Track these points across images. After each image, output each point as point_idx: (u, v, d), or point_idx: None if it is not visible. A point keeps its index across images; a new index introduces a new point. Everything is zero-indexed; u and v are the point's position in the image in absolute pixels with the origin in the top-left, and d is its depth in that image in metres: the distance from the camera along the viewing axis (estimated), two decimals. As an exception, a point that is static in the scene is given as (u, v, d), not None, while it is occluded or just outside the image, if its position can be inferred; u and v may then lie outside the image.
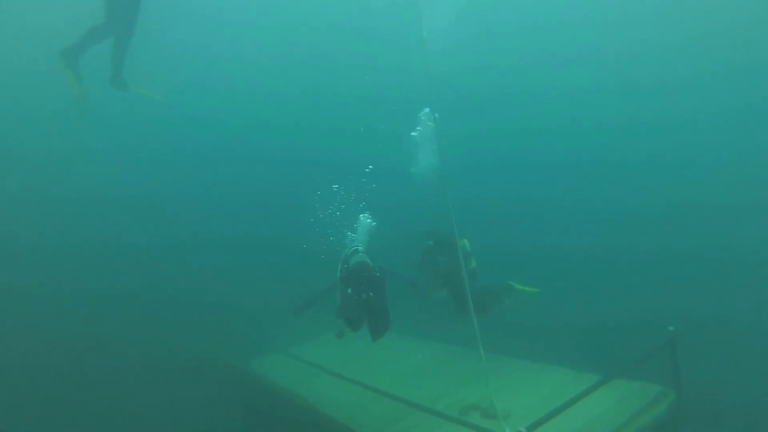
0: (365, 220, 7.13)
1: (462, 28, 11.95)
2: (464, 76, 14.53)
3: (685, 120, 13.25)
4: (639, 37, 14.02)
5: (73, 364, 9.73)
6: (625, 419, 4.57)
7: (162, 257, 12.07)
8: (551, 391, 3.95)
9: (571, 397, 3.93)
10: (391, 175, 8.19)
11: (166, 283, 11.55)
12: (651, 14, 13.80)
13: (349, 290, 5.65)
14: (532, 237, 13.16)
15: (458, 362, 6.95)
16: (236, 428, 8.63)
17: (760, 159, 11.78)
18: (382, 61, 13.84)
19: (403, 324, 8.58)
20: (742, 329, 9.60)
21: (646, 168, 13.54)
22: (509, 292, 7.05)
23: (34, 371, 9.48)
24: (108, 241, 11.85)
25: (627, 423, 4.53)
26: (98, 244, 11.70)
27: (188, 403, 9.39)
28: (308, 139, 14.38)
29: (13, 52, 11.70)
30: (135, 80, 7.88)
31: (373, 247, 6.74)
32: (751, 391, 8.08)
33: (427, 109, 7.07)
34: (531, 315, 7.25)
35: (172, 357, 10.14)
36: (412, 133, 7.54)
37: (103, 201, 12.23)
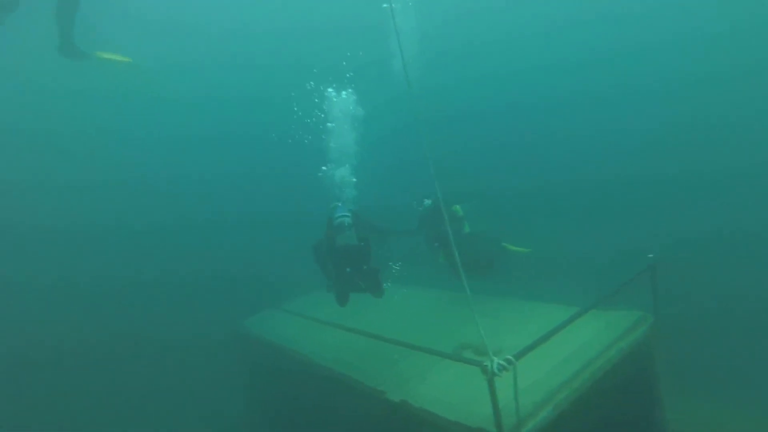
0: (347, 176, 7.20)
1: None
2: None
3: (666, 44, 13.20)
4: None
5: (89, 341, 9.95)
6: (607, 344, 4.89)
7: (160, 232, 12.06)
8: (542, 326, 4.19)
9: (554, 327, 4.16)
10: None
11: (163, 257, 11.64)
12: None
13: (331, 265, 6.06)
14: (519, 176, 13.43)
15: (453, 306, 7.24)
16: (240, 387, 8.99)
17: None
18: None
19: (399, 272, 8.87)
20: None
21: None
22: (503, 254, 7.27)
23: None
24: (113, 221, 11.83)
25: (609, 347, 4.85)
26: (104, 223, 11.69)
27: (194, 369, 9.77)
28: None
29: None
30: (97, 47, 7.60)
31: (360, 202, 6.87)
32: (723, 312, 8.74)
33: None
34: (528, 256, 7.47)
35: (174, 326, 10.33)
36: None
37: (105, 183, 12.09)
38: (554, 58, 14.95)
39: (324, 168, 7.31)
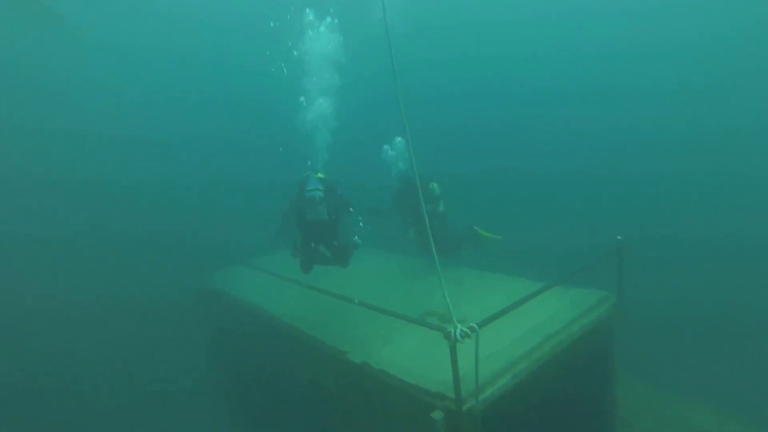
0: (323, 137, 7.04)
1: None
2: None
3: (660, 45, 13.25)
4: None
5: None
6: (570, 320, 4.96)
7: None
8: (506, 298, 4.20)
9: (518, 299, 4.17)
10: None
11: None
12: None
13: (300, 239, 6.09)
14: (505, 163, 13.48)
15: (419, 273, 7.25)
16: (204, 343, 8.92)
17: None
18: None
19: (369, 238, 8.84)
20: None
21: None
22: (474, 238, 7.24)
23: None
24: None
25: (571, 323, 4.92)
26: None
27: (162, 327, 9.65)
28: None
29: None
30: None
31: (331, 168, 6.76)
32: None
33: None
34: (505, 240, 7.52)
35: (143, 284, 10.18)
36: None
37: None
38: (545, 47, 14.94)
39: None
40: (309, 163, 6.82)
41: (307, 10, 7.57)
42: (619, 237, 5.23)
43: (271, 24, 8.10)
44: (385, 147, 7.47)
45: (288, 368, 6.31)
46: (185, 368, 9.17)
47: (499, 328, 4.69)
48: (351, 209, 6.46)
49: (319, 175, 6.41)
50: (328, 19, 7.50)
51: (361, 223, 6.67)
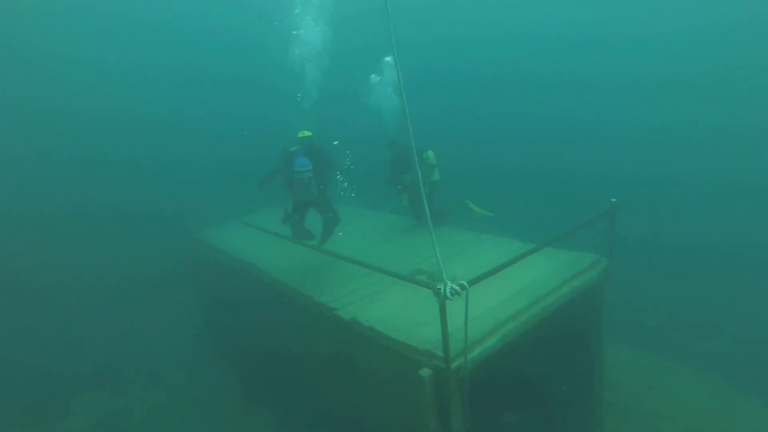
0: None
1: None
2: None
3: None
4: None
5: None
6: (561, 282, 4.90)
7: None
8: (496, 259, 4.12)
9: (511, 258, 4.10)
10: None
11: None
12: None
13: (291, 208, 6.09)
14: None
15: (409, 233, 7.19)
16: (199, 299, 8.93)
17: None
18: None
19: (362, 196, 8.72)
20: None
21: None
22: (464, 211, 7.12)
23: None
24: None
25: (562, 285, 4.87)
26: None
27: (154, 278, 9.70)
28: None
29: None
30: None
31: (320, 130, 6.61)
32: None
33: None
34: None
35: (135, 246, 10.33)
36: None
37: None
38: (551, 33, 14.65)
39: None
40: (299, 96, 6.65)
41: None
42: (613, 200, 5.13)
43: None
44: (372, 76, 7.25)
45: (277, 324, 6.30)
46: (178, 323, 9.26)
47: (489, 288, 4.64)
48: (338, 174, 6.50)
49: (306, 133, 6.25)
50: None
51: (345, 184, 6.58)
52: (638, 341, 8.03)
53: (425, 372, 3.73)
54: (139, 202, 10.97)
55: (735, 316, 8.38)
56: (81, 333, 9.25)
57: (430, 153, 6.97)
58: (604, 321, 5.43)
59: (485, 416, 5.35)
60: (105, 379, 8.15)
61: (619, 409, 6.52)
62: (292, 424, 6.66)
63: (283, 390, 6.68)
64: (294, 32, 6.85)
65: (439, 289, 3.27)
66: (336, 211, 6.26)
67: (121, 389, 7.93)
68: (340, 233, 6.36)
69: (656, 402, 6.81)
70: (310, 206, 6.13)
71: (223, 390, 7.67)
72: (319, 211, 6.20)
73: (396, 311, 4.64)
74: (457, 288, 3.29)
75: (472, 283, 3.43)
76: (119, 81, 12.25)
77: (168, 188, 11.10)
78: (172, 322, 9.45)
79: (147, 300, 9.93)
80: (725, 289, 8.94)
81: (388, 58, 6.97)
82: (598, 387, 5.67)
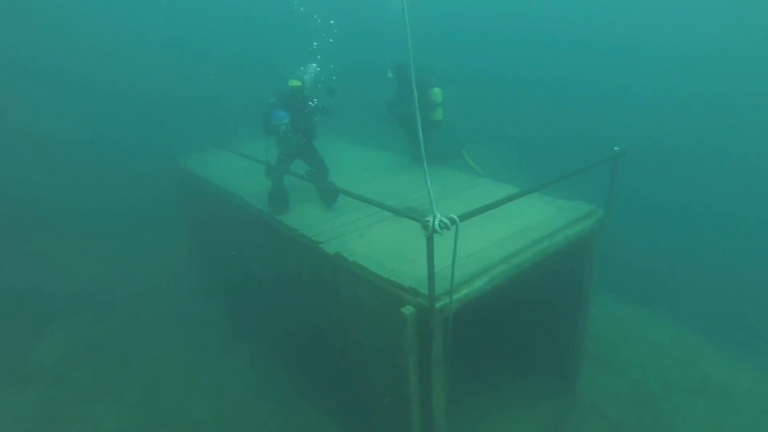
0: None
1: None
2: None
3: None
4: None
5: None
6: (555, 229, 4.73)
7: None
8: (491, 199, 3.91)
9: (505, 197, 3.89)
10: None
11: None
12: None
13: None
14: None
15: (400, 169, 6.99)
16: (184, 225, 8.78)
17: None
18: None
19: (357, 133, 8.42)
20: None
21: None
22: (458, 158, 6.83)
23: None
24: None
25: (556, 232, 4.70)
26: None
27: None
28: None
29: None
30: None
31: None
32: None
33: None
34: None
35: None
36: None
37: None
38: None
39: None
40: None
41: None
42: (616, 148, 4.89)
43: None
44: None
45: (262, 255, 6.16)
46: (165, 251, 9.16)
47: (480, 229, 4.51)
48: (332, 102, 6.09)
49: (296, 82, 5.88)
50: None
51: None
52: (622, 292, 8.08)
53: (408, 310, 3.61)
54: (125, 130, 10.65)
55: (720, 276, 8.43)
56: (66, 257, 9.14)
57: (437, 90, 6.60)
58: (594, 272, 5.32)
59: (465, 355, 5.34)
60: (88, 303, 8.06)
61: (596, 356, 6.64)
62: (277, 353, 6.67)
63: (268, 320, 6.64)
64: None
65: (428, 221, 3.08)
66: (324, 162, 6.06)
67: (104, 315, 7.84)
68: None
69: (631, 351, 6.94)
70: (294, 158, 5.91)
71: (210, 318, 7.64)
72: (305, 162, 6.02)
73: (383, 247, 4.48)
74: (447, 221, 3.09)
75: (463, 218, 3.23)
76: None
77: (154, 116, 10.68)
78: (159, 249, 9.36)
79: (133, 227, 9.80)
80: (715, 251, 8.96)
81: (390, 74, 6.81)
82: (581, 336, 5.64)
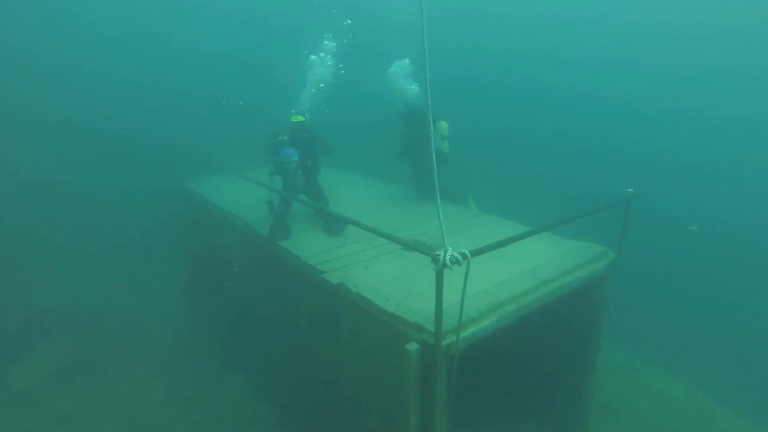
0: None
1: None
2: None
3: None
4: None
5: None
6: (566, 269, 4.59)
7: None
8: (500, 237, 3.79)
9: (516, 234, 3.77)
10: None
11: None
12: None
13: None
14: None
15: (407, 203, 6.92)
16: (182, 249, 8.65)
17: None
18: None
19: (362, 164, 8.37)
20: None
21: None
22: (463, 201, 6.78)
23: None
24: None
25: (567, 273, 4.55)
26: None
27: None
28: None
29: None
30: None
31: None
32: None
33: None
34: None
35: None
36: None
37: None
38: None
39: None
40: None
41: None
42: (630, 189, 4.79)
43: None
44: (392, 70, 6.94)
45: (262, 282, 6.00)
46: (162, 275, 9.00)
47: (490, 266, 4.37)
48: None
49: (299, 118, 6.01)
50: None
51: None
52: (630, 339, 7.82)
53: (412, 346, 3.43)
54: (129, 153, 10.65)
55: (730, 331, 8.16)
56: (59, 276, 8.97)
57: (444, 123, 6.61)
58: (605, 316, 5.14)
59: (468, 397, 5.10)
60: (77, 324, 7.83)
61: (602, 404, 6.36)
62: (269, 385, 6.42)
63: (264, 350, 6.42)
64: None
65: (438, 255, 2.94)
66: (325, 196, 6.10)
67: (92, 338, 7.59)
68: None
69: (639, 402, 6.66)
70: (297, 194, 5.90)
71: (202, 346, 7.39)
72: (308, 196, 6.00)
73: (387, 280, 4.33)
74: (458, 256, 2.96)
75: (474, 253, 3.09)
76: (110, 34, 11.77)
77: (161, 139, 10.70)
78: (155, 273, 9.20)
79: (131, 249, 9.66)
80: (726, 303, 8.73)
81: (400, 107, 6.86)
82: (589, 381, 5.40)
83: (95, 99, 10.95)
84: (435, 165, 3.23)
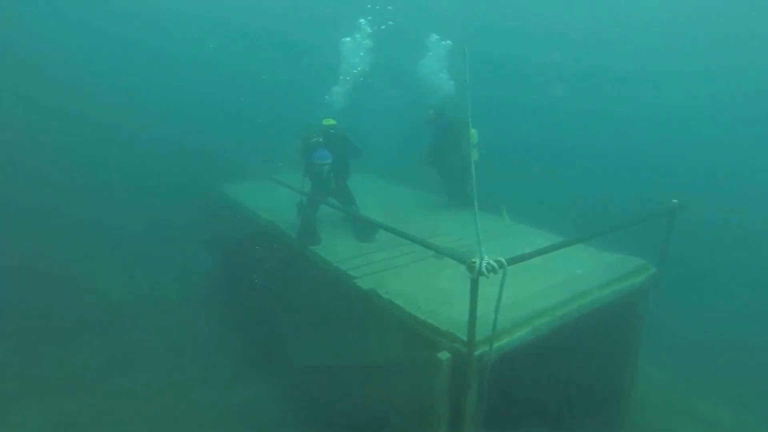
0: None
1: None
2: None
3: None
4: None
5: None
6: (602, 282, 4.46)
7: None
8: (532, 246, 3.72)
9: (553, 244, 3.68)
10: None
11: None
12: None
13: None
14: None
15: (441, 211, 6.85)
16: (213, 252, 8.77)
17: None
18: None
19: (390, 170, 8.35)
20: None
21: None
22: (497, 211, 6.70)
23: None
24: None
25: (604, 286, 4.42)
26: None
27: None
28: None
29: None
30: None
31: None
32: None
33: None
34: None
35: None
36: None
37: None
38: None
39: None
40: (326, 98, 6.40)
41: None
42: (674, 200, 4.62)
43: None
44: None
45: (288, 286, 6.05)
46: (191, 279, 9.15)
47: (524, 277, 4.26)
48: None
49: (330, 121, 6.06)
50: None
51: None
52: (672, 358, 7.48)
53: (444, 355, 3.38)
54: (168, 154, 10.89)
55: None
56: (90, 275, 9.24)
57: (474, 131, 6.54)
58: (643, 333, 4.96)
59: (496, 409, 4.98)
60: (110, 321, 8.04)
61: (641, 429, 6.04)
62: (289, 389, 6.42)
63: (285, 354, 6.45)
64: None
65: (474, 263, 2.90)
66: (356, 201, 6.15)
67: (121, 335, 7.76)
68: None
69: (680, 426, 6.31)
70: (327, 197, 5.94)
71: (225, 346, 7.45)
72: (338, 200, 6.02)
73: (419, 287, 4.29)
74: (494, 264, 2.90)
75: (511, 262, 3.04)
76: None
77: (197, 141, 10.95)
78: (185, 278, 9.34)
79: (159, 246, 9.83)
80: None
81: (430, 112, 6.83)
82: (626, 402, 5.20)
83: (143, 108, 11.30)
84: (474, 174, 3.21)
